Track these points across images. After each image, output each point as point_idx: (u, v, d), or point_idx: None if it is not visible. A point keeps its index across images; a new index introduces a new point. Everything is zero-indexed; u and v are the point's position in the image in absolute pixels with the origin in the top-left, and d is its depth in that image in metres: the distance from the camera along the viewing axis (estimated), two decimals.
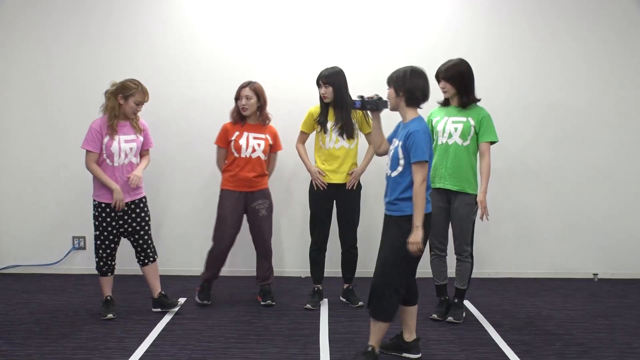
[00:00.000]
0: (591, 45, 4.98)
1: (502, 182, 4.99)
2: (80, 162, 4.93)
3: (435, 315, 4.09)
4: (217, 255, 4.36)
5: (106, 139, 3.90)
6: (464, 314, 4.10)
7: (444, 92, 4.02)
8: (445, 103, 4.08)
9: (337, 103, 4.21)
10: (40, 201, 5.10)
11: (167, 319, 4.05)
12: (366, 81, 4.84)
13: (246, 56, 4.97)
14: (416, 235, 3.16)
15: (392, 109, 3.34)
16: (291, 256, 5.12)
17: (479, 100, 4.00)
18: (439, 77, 4.02)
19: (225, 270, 5.05)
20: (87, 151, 3.91)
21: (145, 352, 3.51)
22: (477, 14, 4.96)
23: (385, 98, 3.36)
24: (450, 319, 4.03)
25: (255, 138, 4.29)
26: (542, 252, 5.11)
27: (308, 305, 4.29)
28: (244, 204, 4.33)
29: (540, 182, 5.08)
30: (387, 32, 4.96)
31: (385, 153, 3.43)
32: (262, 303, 4.37)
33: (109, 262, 4.07)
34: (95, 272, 4.95)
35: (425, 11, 4.96)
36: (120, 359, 3.42)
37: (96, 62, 4.94)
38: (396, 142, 3.28)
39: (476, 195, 3.95)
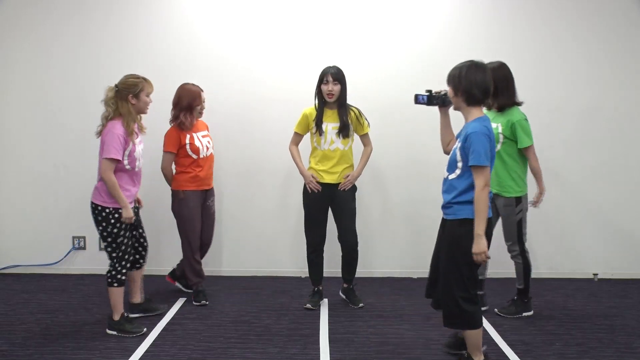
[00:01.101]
0: (591, 46, 4.98)
1: None
2: (80, 161, 4.99)
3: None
4: (195, 257, 4.38)
5: (130, 146, 3.68)
6: (522, 313, 4.15)
7: None
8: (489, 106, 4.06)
9: (342, 102, 4.17)
10: (40, 201, 5.10)
11: (167, 319, 4.05)
12: (366, 81, 4.87)
13: (246, 56, 4.97)
14: (479, 245, 2.99)
15: (455, 109, 3.19)
16: (290, 256, 5.11)
17: (519, 103, 4.07)
18: None
19: (225, 270, 5.08)
20: (110, 159, 3.60)
21: (145, 352, 3.51)
22: (477, 14, 4.95)
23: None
24: (496, 310, 4.19)
25: (203, 137, 4.33)
26: (542, 252, 5.10)
27: (308, 305, 4.28)
28: (203, 202, 4.38)
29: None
30: (386, 31, 4.96)
31: None
32: (189, 291, 4.51)
33: (127, 270, 3.84)
34: (95, 272, 4.98)
35: (425, 11, 4.95)
36: (120, 359, 3.42)
37: (96, 62, 4.94)
38: (456, 143, 3.13)
39: (515, 198, 4.03)
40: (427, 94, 3.34)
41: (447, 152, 3.35)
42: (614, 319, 4.15)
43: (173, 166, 4.35)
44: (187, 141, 4.22)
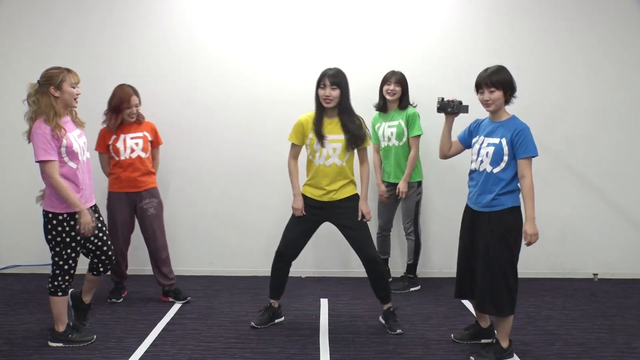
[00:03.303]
0: (591, 45, 4.97)
1: None
2: None
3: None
4: (117, 259, 4.24)
5: (64, 141, 3.37)
6: (410, 288, 4.73)
7: (394, 94, 4.61)
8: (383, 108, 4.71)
9: (344, 109, 3.71)
10: None
11: (167, 319, 4.05)
12: (365, 81, 4.87)
13: (246, 57, 4.96)
14: (534, 227, 3.26)
15: (495, 110, 3.36)
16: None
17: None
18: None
19: (226, 270, 5.08)
20: (47, 162, 3.31)
21: (145, 352, 3.51)
22: (476, 14, 4.94)
23: (465, 103, 3.48)
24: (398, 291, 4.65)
25: (132, 138, 4.23)
26: (542, 252, 5.10)
27: (252, 324, 3.92)
28: (132, 204, 4.28)
29: (540, 182, 5.03)
30: (386, 31, 4.95)
31: (455, 155, 3.63)
32: (180, 302, 4.35)
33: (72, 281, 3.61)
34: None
35: (424, 12, 4.94)
36: (120, 359, 3.42)
37: (96, 63, 4.93)
38: (483, 140, 3.37)
39: (417, 182, 4.67)
40: (439, 100, 3.53)
41: (447, 157, 3.67)
42: (614, 319, 4.15)
43: None
44: (111, 142, 4.22)
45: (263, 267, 5.13)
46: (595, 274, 5.13)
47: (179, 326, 3.94)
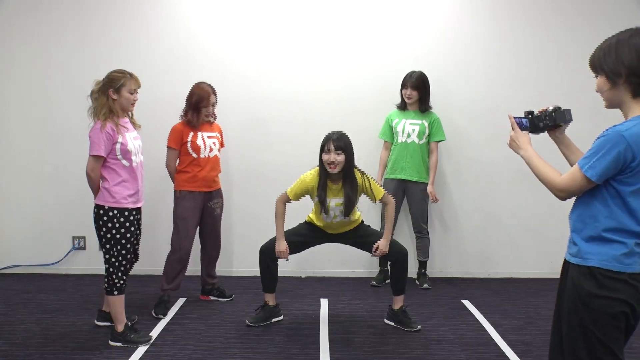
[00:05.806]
0: (592, 46, 4.96)
1: (501, 182, 4.99)
2: (80, 161, 4.93)
3: (374, 282, 4.78)
4: (180, 260, 4.16)
5: (120, 138, 3.48)
6: (424, 285, 4.77)
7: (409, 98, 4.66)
8: (403, 107, 4.71)
9: (347, 174, 3.66)
10: (40, 201, 5.09)
11: (167, 319, 4.05)
12: (364, 81, 4.87)
13: (247, 57, 4.96)
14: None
15: (611, 107, 2.21)
16: (290, 256, 5.10)
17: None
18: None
19: (226, 270, 5.07)
20: (94, 156, 3.47)
21: (145, 352, 3.51)
22: (477, 14, 4.95)
23: (563, 108, 2.38)
24: (425, 285, 4.75)
25: (209, 137, 4.19)
26: (542, 252, 5.10)
27: (247, 322, 3.95)
28: (202, 204, 4.21)
29: (540, 182, 5.06)
30: (386, 31, 4.96)
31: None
32: (226, 300, 4.40)
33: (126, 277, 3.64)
34: (95, 272, 4.96)
35: (424, 12, 4.94)
36: (120, 359, 3.43)
37: (96, 63, 4.92)
38: None
39: (426, 184, 4.73)
40: (528, 116, 2.43)
41: None
42: None
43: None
44: (190, 139, 4.11)
45: None
46: None
47: (179, 326, 3.94)
